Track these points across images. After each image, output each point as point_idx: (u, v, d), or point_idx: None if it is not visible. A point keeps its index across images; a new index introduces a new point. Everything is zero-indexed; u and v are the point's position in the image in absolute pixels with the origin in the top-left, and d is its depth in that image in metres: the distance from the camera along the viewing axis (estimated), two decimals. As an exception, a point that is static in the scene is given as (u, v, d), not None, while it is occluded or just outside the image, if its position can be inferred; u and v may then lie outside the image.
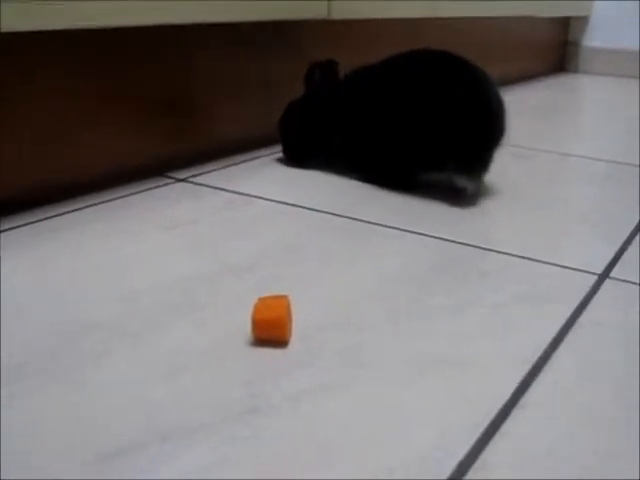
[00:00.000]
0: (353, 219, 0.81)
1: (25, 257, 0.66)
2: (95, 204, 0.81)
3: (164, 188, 0.88)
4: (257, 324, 0.52)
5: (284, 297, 0.54)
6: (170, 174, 0.93)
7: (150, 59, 0.90)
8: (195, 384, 0.48)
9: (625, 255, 0.76)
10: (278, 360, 0.51)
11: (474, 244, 0.75)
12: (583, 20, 2.18)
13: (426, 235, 0.77)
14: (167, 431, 0.43)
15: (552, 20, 2.11)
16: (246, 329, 0.53)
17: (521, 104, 1.60)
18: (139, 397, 0.46)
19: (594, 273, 0.70)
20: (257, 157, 1.04)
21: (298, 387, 0.48)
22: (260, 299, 0.54)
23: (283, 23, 1.05)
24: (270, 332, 0.52)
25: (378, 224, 0.79)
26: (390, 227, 0.79)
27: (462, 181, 0.87)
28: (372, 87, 0.92)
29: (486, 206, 0.88)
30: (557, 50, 2.23)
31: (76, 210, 0.78)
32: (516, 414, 0.47)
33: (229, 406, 0.46)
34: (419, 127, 0.86)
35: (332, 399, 0.47)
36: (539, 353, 0.55)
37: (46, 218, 0.76)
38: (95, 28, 0.73)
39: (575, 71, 2.23)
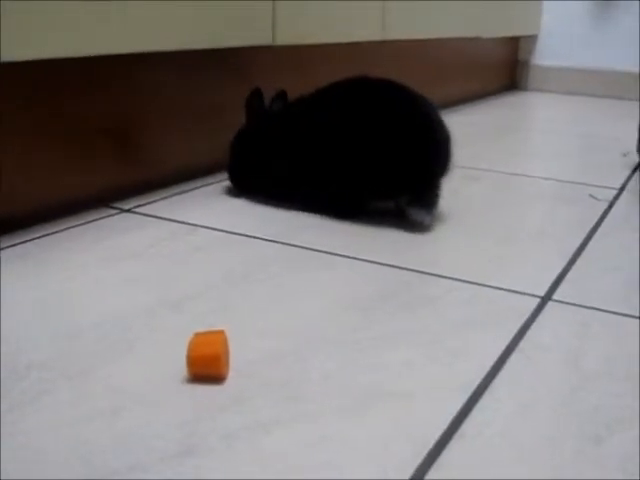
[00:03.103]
0: (298, 247, 0.80)
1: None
2: (38, 237, 0.79)
3: (109, 219, 0.87)
4: (192, 361, 0.51)
5: (220, 332, 0.53)
6: (115, 204, 0.92)
7: (91, 89, 0.89)
8: (131, 424, 0.47)
9: (568, 276, 0.76)
10: (214, 397, 0.50)
11: (421, 270, 0.75)
12: (532, 39, 2.22)
13: (372, 262, 0.77)
14: (103, 473, 0.42)
15: (502, 40, 2.14)
16: (182, 366, 0.53)
17: (472, 124, 1.61)
18: (75, 438, 0.45)
19: (537, 296, 0.71)
20: (203, 185, 1.03)
21: (234, 425, 0.47)
22: (196, 334, 0.53)
23: (228, 50, 1.05)
24: (206, 369, 0.51)
25: (324, 252, 0.79)
26: (334, 254, 0.78)
27: (419, 215, 0.87)
28: (316, 115, 0.92)
29: (433, 231, 0.88)
30: (508, 69, 2.26)
31: (17, 244, 0.77)
32: (453, 445, 0.47)
33: (165, 447, 0.45)
34: (364, 156, 0.87)
35: (269, 437, 0.47)
36: (478, 381, 0.55)
37: (-15, 254, 0.74)
38: (34, 60, 0.72)
39: (525, 89, 2.26)
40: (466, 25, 1.70)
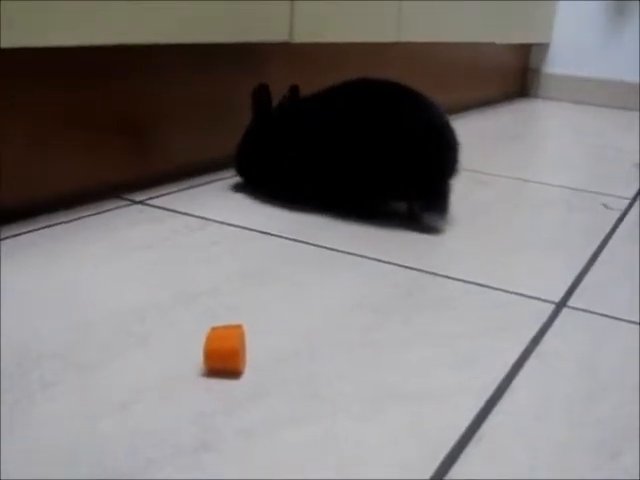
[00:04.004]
0: (311, 244, 0.80)
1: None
2: (49, 226, 0.79)
3: (120, 210, 0.86)
4: (209, 355, 0.51)
5: (238, 327, 0.53)
6: (127, 196, 0.91)
7: (107, 80, 0.89)
8: (146, 418, 0.47)
9: (583, 283, 0.76)
10: (231, 392, 0.50)
11: (433, 272, 0.75)
12: (544, 47, 2.21)
13: (385, 262, 0.76)
14: (116, 468, 0.42)
15: (513, 47, 2.13)
16: (198, 360, 0.52)
17: (482, 130, 1.61)
18: (87, 431, 0.45)
19: (552, 302, 0.70)
20: (215, 180, 1.03)
21: (251, 421, 0.47)
22: (213, 329, 0.52)
23: (244, 47, 1.05)
24: (223, 363, 0.51)
25: (336, 250, 0.79)
26: (349, 253, 0.78)
27: (432, 219, 0.87)
28: (325, 115, 0.91)
29: (445, 233, 0.87)
30: (518, 76, 2.26)
31: (29, 232, 0.76)
32: (471, 449, 0.46)
33: (180, 441, 0.45)
34: (373, 157, 0.86)
35: (285, 434, 0.46)
36: (495, 385, 0.54)
37: (-3, 241, 0.74)
38: (47, 47, 0.72)
39: (535, 97, 2.26)
40: (481, 30, 1.70)
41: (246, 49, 1.08)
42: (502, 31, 1.84)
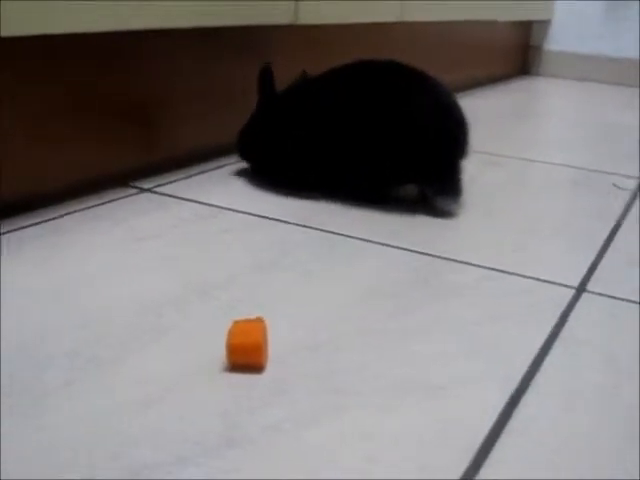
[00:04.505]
0: (322, 231, 0.79)
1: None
2: (57, 217, 0.77)
3: (129, 199, 0.85)
4: (232, 349, 0.50)
5: (260, 320, 0.52)
6: (134, 184, 0.90)
7: (111, 68, 0.87)
8: (169, 415, 0.46)
9: (600, 267, 0.75)
10: (254, 387, 0.49)
11: (448, 257, 0.74)
12: (545, 24, 2.19)
13: (399, 248, 0.75)
14: (140, 467, 0.41)
15: (514, 24, 2.11)
16: (219, 354, 0.51)
17: (486, 109, 1.59)
18: (109, 430, 0.44)
19: (571, 287, 0.69)
20: (222, 166, 1.01)
21: (276, 417, 0.46)
22: (235, 322, 0.51)
23: (248, 28, 1.03)
24: (246, 358, 0.50)
25: (349, 236, 0.78)
26: (362, 239, 0.77)
27: (445, 203, 0.86)
28: (332, 98, 0.88)
29: (458, 217, 0.86)
30: (520, 54, 2.24)
31: (36, 224, 0.75)
32: (503, 443, 0.46)
33: (205, 439, 0.44)
34: (382, 141, 0.85)
35: (311, 430, 0.45)
36: (521, 375, 0.53)
37: (3, 233, 0.72)
38: (50, 35, 0.70)
39: (537, 74, 2.24)
40: (482, 8, 1.67)
41: (251, 33, 1.06)
42: (503, 8, 1.82)
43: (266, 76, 0.94)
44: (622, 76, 2.11)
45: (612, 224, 0.88)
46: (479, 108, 1.56)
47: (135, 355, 0.52)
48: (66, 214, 0.78)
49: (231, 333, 0.50)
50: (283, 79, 0.94)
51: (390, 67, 0.90)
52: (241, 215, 0.82)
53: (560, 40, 2.18)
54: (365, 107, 0.86)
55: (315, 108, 0.90)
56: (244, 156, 0.97)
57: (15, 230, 0.73)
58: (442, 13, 1.50)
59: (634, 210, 0.95)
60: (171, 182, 0.92)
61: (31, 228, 0.74)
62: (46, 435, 0.43)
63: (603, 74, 2.13)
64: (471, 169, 0.90)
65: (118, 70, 0.88)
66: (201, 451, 0.43)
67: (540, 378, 0.53)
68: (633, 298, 0.68)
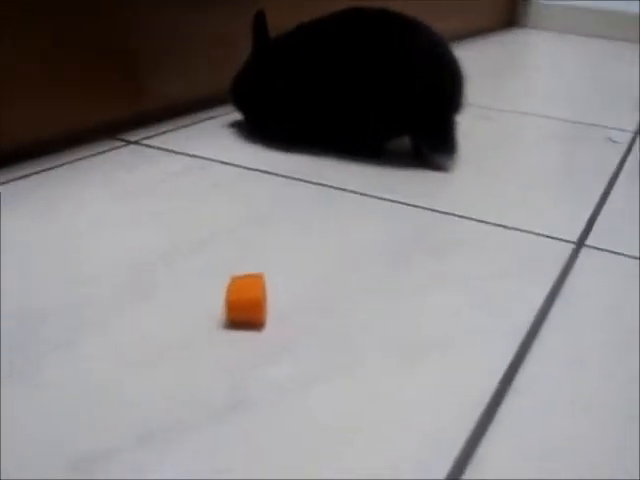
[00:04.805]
0: (316, 184, 0.77)
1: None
2: (42, 170, 0.75)
3: (115, 152, 0.83)
4: (232, 305, 0.48)
5: (259, 276, 0.50)
6: (121, 136, 0.87)
7: (94, 15, 0.84)
8: (170, 376, 0.44)
9: (597, 221, 0.74)
10: (256, 345, 0.48)
11: (446, 211, 0.72)
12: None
13: (396, 202, 0.74)
14: (145, 433, 0.39)
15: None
16: (216, 311, 0.50)
17: (476, 62, 1.56)
18: (110, 394, 0.42)
19: (570, 241, 0.68)
20: (211, 117, 0.99)
21: (280, 377, 0.45)
22: (233, 278, 0.50)
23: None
24: (246, 314, 0.49)
25: (343, 189, 0.76)
26: (357, 193, 0.75)
27: (441, 158, 0.84)
28: (327, 46, 0.86)
29: (454, 171, 0.85)
30: (508, 5, 2.20)
31: (20, 178, 0.73)
32: (509, 401, 0.45)
33: (211, 400, 0.42)
34: (377, 90, 0.82)
35: (317, 390, 0.44)
36: (525, 330, 0.52)
37: (-11, 186, 0.70)
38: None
39: (525, 26, 2.21)
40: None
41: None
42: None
43: (260, 22, 0.91)
44: (613, 30, 2.09)
45: (608, 178, 0.87)
46: (468, 60, 1.53)
47: (129, 313, 0.51)
48: (52, 168, 0.76)
49: (230, 289, 0.49)
50: (276, 27, 0.91)
51: (383, 14, 0.87)
52: (232, 168, 0.80)
53: (549, -9, 2.15)
54: (358, 56, 0.83)
55: (307, 57, 0.87)
56: (237, 105, 0.94)
57: (3, 183, 0.70)
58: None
59: (629, 163, 0.94)
60: (158, 134, 0.90)
61: (15, 182, 0.72)
62: (44, 396, 0.41)
63: (592, 27, 2.11)
64: (463, 123, 0.88)
65: (104, 17, 0.85)
66: (206, 414, 0.41)
67: (544, 334, 0.52)
68: (632, 253, 0.67)
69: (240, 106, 0.94)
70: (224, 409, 0.41)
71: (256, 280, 0.50)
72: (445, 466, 0.39)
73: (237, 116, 0.96)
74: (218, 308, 0.50)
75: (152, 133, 0.90)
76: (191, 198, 0.71)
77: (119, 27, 0.87)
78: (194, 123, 0.95)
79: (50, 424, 0.39)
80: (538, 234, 0.69)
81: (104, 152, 0.82)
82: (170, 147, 0.85)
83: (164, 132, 0.90)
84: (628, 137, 1.06)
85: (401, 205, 0.73)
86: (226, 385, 0.44)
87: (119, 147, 0.84)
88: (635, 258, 0.66)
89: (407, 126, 0.85)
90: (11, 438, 0.38)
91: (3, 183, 0.71)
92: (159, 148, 0.84)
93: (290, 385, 0.44)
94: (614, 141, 1.03)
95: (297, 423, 0.41)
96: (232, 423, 0.40)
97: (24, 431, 0.39)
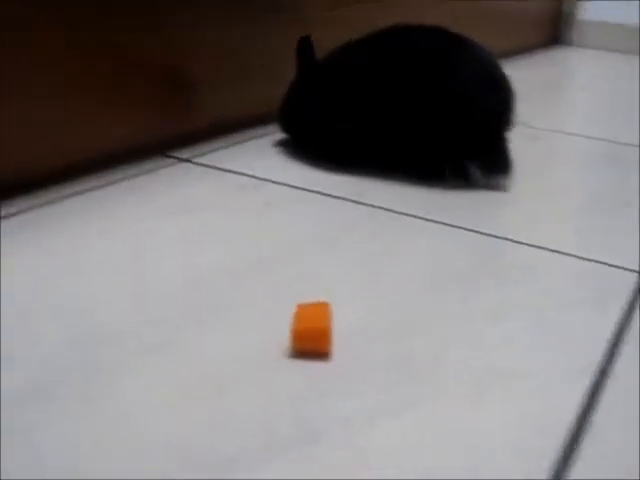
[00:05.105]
0: (371, 206, 0.76)
1: (24, 252, 0.60)
2: (96, 187, 0.75)
3: (168, 169, 0.82)
4: (298, 335, 0.47)
5: (325, 304, 0.49)
6: (171, 153, 0.87)
7: (147, 33, 0.84)
8: (234, 404, 0.43)
9: (661, 248, 0.72)
10: (323, 375, 0.47)
11: (506, 237, 0.71)
12: (577, -8, 2.13)
13: (455, 227, 0.72)
14: (205, 462, 0.38)
15: (546, -8, 2.05)
16: (283, 337, 0.49)
17: (522, 80, 1.54)
18: (172, 421, 0.41)
19: (633, 270, 0.66)
20: (259, 136, 0.98)
21: (349, 409, 0.44)
22: (300, 306, 0.49)
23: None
24: (312, 343, 0.47)
25: (401, 213, 0.75)
26: (415, 217, 0.74)
27: (497, 178, 0.83)
28: (379, 67, 0.84)
29: (509, 193, 0.83)
30: (551, 23, 2.18)
31: (75, 194, 0.72)
32: (589, 435, 0.43)
33: (274, 432, 0.41)
34: (434, 113, 0.81)
35: (388, 422, 0.43)
36: (598, 362, 0.51)
37: (42, 205, 0.70)
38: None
39: (569, 44, 2.18)
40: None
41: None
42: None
43: (306, 46, 0.90)
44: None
45: (667, 203, 0.85)
46: (514, 79, 1.52)
47: (196, 337, 0.50)
48: (104, 186, 0.76)
49: (296, 318, 0.48)
50: (321, 45, 0.90)
51: (433, 32, 0.86)
52: (284, 187, 0.79)
53: (594, 9, 2.12)
54: (411, 77, 0.82)
55: (358, 79, 0.85)
56: (285, 129, 0.93)
57: (50, 204, 0.70)
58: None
59: (688, 189, 0.91)
60: (209, 152, 0.89)
61: (68, 200, 0.71)
62: (102, 431, 0.41)
63: (638, 45, 2.08)
64: (514, 143, 0.87)
65: (154, 34, 0.85)
66: (270, 446, 0.40)
67: (617, 368, 0.50)
68: (699, 282, 0.65)
69: (289, 129, 0.93)
70: (289, 441, 0.40)
71: (322, 309, 0.49)
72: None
73: (282, 135, 0.95)
74: (283, 334, 0.49)
75: (202, 151, 0.89)
76: (246, 218, 0.70)
77: (168, 43, 0.87)
78: (244, 141, 0.95)
79: (103, 453, 0.39)
80: (600, 262, 0.67)
81: (155, 170, 0.81)
82: (221, 165, 0.84)
83: (214, 150, 0.90)
84: (683, 160, 1.04)
85: (461, 230, 0.72)
86: (291, 416, 0.42)
87: (170, 165, 0.84)
88: (703, 289, 0.64)
89: (462, 148, 0.84)
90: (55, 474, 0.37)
91: (59, 200, 0.70)
92: (210, 166, 0.84)
93: (357, 418, 0.43)
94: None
95: (365, 458, 0.40)
96: (297, 456, 0.39)
97: (71, 464, 0.38)
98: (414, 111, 0.82)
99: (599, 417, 0.45)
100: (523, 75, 1.63)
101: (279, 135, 0.96)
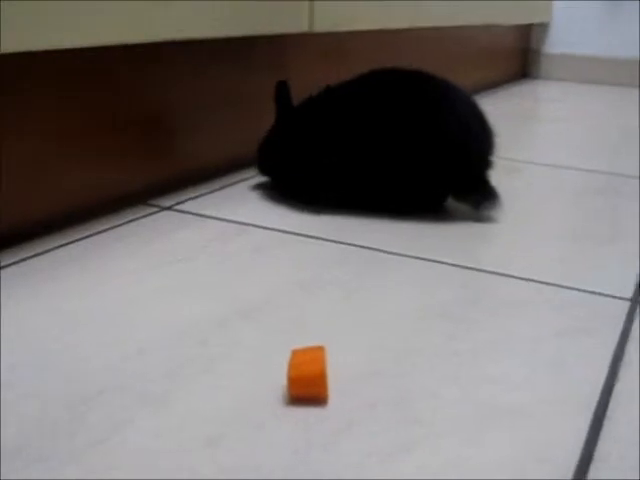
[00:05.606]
0: (360, 247, 0.75)
1: (3, 307, 0.59)
2: (78, 239, 0.74)
3: (149, 218, 0.81)
4: (294, 382, 0.46)
5: (320, 349, 0.48)
6: (153, 202, 0.86)
7: (124, 80, 0.83)
8: (235, 456, 0.42)
9: (648, 276, 0.72)
10: (321, 422, 0.45)
11: (494, 271, 0.71)
12: (544, 27, 2.17)
13: (440, 262, 0.72)
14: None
15: (513, 27, 2.09)
16: (276, 384, 0.48)
17: (491, 114, 1.56)
18: (172, 474, 0.40)
19: (624, 299, 0.66)
20: (240, 180, 0.98)
21: (353, 455, 0.42)
22: (294, 352, 0.48)
23: (264, 38, 1.00)
24: (309, 390, 0.47)
25: (387, 252, 0.74)
26: (400, 255, 0.73)
27: (486, 209, 0.85)
28: (360, 110, 0.84)
29: (494, 227, 0.83)
30: (519, 57, 2.21)
31: (57, 247, 0.71)
32: (594, 468, 0.42)
33: (277, 481, 0.40)
34: (418, 157, 0.82)
35: (395, 466, 0.42)
36: (597, 394, 0.50)
37: (22, 260, 0.68)
38: (53, 50, 0.66)
39: (537, 77, 2.22)
40: (483, 12, 1.65)
41: (264, 42, 1.02)
42: (503, 12, 1.80)
43: (282, 91, 0.91)
44: (623, 77, 2.10)
45: (650, 230, 0.86)
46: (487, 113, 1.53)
47: (186, 389, 0.48)
48: (86, 237, 0.75)
49: (291, 364, 0.47)
50: (300, 89, 0.90)
51: (413, 75, 0.86)
52: (270, 232, 0.78)
53: (559, 42, 2.17)
54: (393, 120, 0.82)
55: (338, 121, 0.85)
56: (264, 172, 0.93)
57: (30, 258, 0.69)
58: (449, 18, 1.47)
59: (669, 214, 0.92)
60: (191, 199, 0.88)
61: (48, 254, 0.70)
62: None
63: (603, 75, 2.12)
64: (495, 177, 0.87)
65: (132, 81, 0.84)
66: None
67: (616, 401, 0.50)
68: (690, 308, 0.65)
69: (268, 172, 0.93)
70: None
71: (317, 353, 0.48)
72: None
73: (262, 178, 0.95)
74: (278, 382, 0.48)
75: (184, 198, 0.88)
76: (233, 265, 0.69)
77: (143, 92, 0.87)
78: (224, 187, 0.94)
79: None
80: (590, 292, 0.67)
81: (137, 219, 0.80)
82: (204, 212, 0.84)
83: (197, 196, 0.89)
84: (661, 186, 1.05)
85: (446, 265, 0.71)
86: (294, 465, 0.41)
87: (152, 213, 0.83)
88: (694, 314, 0.64)
89: (449, 187, 0.84)
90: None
91: (41, 253, 0.69)
92: (193, 213, 0.83)
93: (364, 462, 0.42)
94: (648, 191, 1.01)
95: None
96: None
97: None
98: (397, 154, 0.82)
99: (603, 449, 0.44)
100: (495, 109, 1.66)
101: (258, 179, 0.96)
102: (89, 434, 0.43)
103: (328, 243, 0.76)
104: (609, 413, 0.48)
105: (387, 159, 0.82)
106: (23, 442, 0.42)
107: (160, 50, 0.86)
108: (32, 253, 0.69)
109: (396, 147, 0.82)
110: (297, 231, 0.79)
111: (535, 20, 2.10)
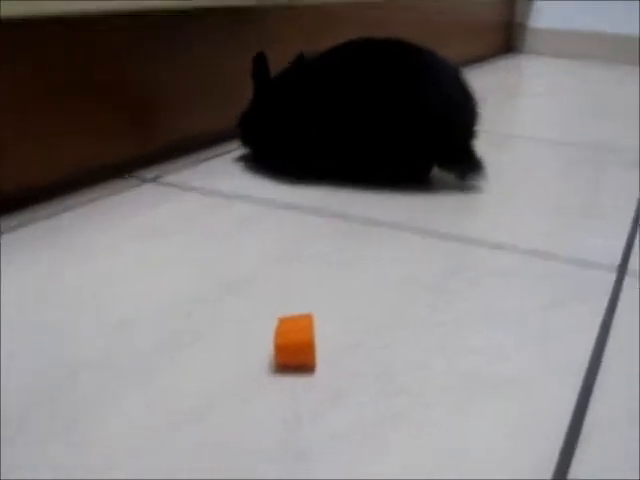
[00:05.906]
0: (343, 217, 0.74)
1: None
2: (59, 212, 0.72)
3: (133, 190, 0.80)
4: (281, 349, 0.46)
5: (307, 316, 0.48)
6: (136, 174, 0.85)
7: (108, 52, 0.82)
8: (224, 427, 0.41)
9: (636, 245, 0.72)
10: (309, 391, 0.45)
11: (478, 241, 0.70)
12: (528, 1, 2.16)
13: (426, 232, 0.71)
14: (202, 490, 0.37)
15: (498, 1, 2.08)
16: (262, 355, 0.47)
17: (478, 87, 1.56)
18: (161, 448, 0.39)
19: (611, 268, 0.66)
20: (223, 153, 0.96)
21: (342, 424, 0.42)
22: (281, 320, 0.47)
23: (243, 10, 0.98)
24: (296, 357, 0.46)
25: (372, 222, 0.74)
26: (384, 225, 0.73)
27: (471, 178, 0.85)
28: (339, 80, 0.83)
29: (480, 200, 0.83)
30: (504, 32, 2.20)
31: (38, 220, 0.70)
32: (585, 440, 0.42)
33: (270, 451, 0.39)
34: (399, 126, 0.81)
35: (384, 436, 0.41)
36: (586, 364, 0.50)
37: (5, 231, 0.67)
38: (35, 17, 0.65)
39: (521, 52, 2.21)
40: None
41: (248, 14, 1.01)
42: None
43: (260, 63, 0.89)
44: (608, 52, 2.09)
45: (635, 199, 0.85)
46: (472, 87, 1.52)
47: (171, 362, 0.48)
48: (68, 210, 0.73)
49: (278, 332, 0.46)
50: (279, 61, 0.89)
51: (395, 45, 0.85)
52: (252, 204, 0.78)
53: (544, 17, 2.16)
54: (374, 89, 0.81)
55: (317, 92, 0.84)
56: (246, 143, 0.92)
57: (12, 229, 0.68)
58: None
59: (653, 185, 0.92)
60: (173, 171, 0.87)
61: (31, 226, 0.69)
62: (81, 455, 0.39)
63: (588, 50, 2.11)
64: (480, 150, 0.86)
65: (110, 53, 0.83)
66: (269, 466, 0.38)
67: (605, 370, 0.50)
68: (677, 277, 0.65)
69: (249, 144, 0.92)
70: (285, 460, 0.39)
71: (304, 321, 0.47)
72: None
73: (245, 150, 0.94)
74: (265, 352, 0.48)
75: (166, 170, 0.87)
76: (217, 237, 0.68)
77: (126, 63, 0.85)
78: (207, 159, 0.93)
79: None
80: (577, 261, 0.67)
81: (120, 192, 0.79)
82: (187, 184, 0.83)
83: (178, 169, 0.88)
84: (645, 159, 1.05)
85: (430, 236, 0.71)
86: (283, 434, 0.41)
87: (135, 186, 0.81)
88: (680, 283, 0.64)
89: (429, 157, 0.84)
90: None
91: (16, 227, 0.68)
92: (176, 185, 0.82)
93: (352, 432, 0.41)
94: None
95: (363, 473, 0.38)
96: (295, 473, 0.38)
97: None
98: (378, 124, 0.81)
99: (593, 417, 0.44)
100: (480, 83, 1.65)
101: (242, 151, 0.95)
102: (74, 409, 0.42)
103: (312, 215, 0.75)
104: (598, 382, 0.48)
105: (368, 129, 0.81)
106: (4, 416, 0.41)
107: (144, 23, 0.84)
108: (13, 224, 0.68)
109: (377, 117, 0.81)
110: (280, 202, 0.78)
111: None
